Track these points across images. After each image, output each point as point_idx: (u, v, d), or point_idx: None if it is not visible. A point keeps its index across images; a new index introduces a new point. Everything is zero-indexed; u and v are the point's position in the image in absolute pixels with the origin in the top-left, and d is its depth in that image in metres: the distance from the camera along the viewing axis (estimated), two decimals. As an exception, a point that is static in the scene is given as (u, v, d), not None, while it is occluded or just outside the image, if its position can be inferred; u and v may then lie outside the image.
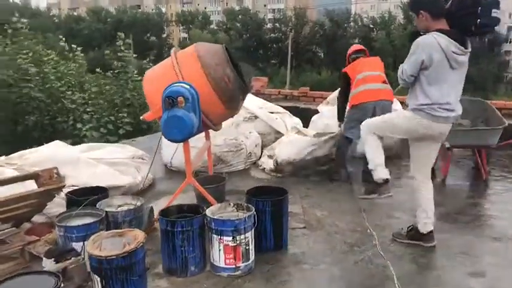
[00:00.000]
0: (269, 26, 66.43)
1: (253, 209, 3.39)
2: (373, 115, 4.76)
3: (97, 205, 3.64)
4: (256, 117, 6.56)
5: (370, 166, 3.89)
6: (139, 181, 5.13)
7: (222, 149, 5.72)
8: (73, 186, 4.59)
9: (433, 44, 3.36)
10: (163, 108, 3.64)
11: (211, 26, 71.61)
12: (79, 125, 11.11)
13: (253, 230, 3.33)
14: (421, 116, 3.52)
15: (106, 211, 3.53)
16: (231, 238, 3.23)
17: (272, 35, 64.37)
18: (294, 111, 7.56)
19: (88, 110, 11.57)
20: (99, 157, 5.09)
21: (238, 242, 3.24)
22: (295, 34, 57.75)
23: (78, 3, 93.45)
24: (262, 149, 6.30)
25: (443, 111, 3.48)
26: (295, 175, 5.68)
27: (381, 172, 3.84)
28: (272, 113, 6.89)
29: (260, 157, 6.16)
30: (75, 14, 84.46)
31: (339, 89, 5.78)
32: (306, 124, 6.91)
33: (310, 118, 7.01)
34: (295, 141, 5.87)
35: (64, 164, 4.65)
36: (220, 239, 3.24)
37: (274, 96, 9.15)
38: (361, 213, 4.46)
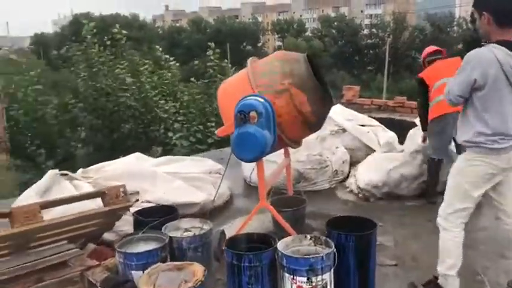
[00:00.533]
0: (365, 31, 64.66)
1: (333, 245, 2.88)
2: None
3: (163, 228, 3.35)
4: (344, 130, 6.02)
5: (439, 268, 3.05)
6: (215, 198, 4.82)
7: (304, 165, 5.25)
8: (148, 201, 4.40)
9: (489, 60, 2.66)
10: (234, 124, 3.28)
11: (306, 34, 71.26)
12: (170, 134, 11.24)
13: (332, 270, 2.83)
14: (481, 154, 2.79)
15: (170, 236, 3.23)
16: (305, 279, 2.75)
17: (369, 41, 62.56)
18: (389, 123, 6.88)
19: (179, 119, 11.67)
20: (175, 171, 4.87)
21: (314, 284, 2.75)
22: (393, 39, 55.60)
23: (180, 15, 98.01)
24: (350, 167, 5.74)
25: (505, 141, 2.74)
26: (387, 197, 5.06)
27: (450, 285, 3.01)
28: (363, 125, 6.29)
29: (348, 176, 5.61)
30: (177, 25, 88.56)
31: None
32: (402, 139, 6.21)
33: (407, 132, 6.30)
34: (377, 160, 5.26)
35: (140, 179, 4.49)
36: (293, 279, 2.78)
37: (366, 106, 8.49)
38: (468, 250, 3.75)
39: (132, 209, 4.19)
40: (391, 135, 6.33)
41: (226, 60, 13.62)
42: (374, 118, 6.82)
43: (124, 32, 12.43)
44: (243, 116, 3.22)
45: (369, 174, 5.11)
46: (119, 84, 11.64)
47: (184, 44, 68.42)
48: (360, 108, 8.27)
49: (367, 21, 70.92)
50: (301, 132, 3.85)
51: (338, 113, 6.46)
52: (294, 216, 3.99)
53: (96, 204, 3.76)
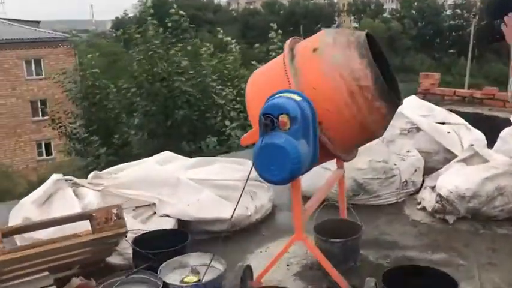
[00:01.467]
0: (448, 12, 60.53)
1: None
2: None
3: (161, 267, 2.54)
4: (418, 129, 4.89)
5: None
6: (252, 212, 3.95)
7: (365, 174, 4.22)
8: (167, 216, 3.62)
9: None
10: (259, 131, 2.36)
11: (384, 15, 67.99)
12: (227, 122, 10.51)
13: None
14: None
15: (165, 282, 2.40)
16: None
17: (452, 22, 58.51)
18: (476, 120, 5.61)
19: (236, 106, 10.90)
20: (205, 178, 4.03)
21: None
22: (479, 20, 51.48)
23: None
24: (423, 176, 4.62)
25: None
26: (473, 218, 3.92)
27: None
28: (443, 123, 5.12)
29: (420, 188, 4.49)
30: (251, 7, 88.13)
31: None
32: (491, 140, 4.98)
33: (499, 132, 5.04)
34: (465, 168, 4.12)
35: (160, 187, 3.70)
36: None
37: (448, 97, 7.16)
38: None
39: (144, 225, 3.44)
40: (478, 136, 5.11)
41: (279, 44, 12.63)
42: (457, 113, 5.59)
43: (182, 12, 11.74)
44: (269, 121, 2.30)
45: (455, 179, 3.98)
46: (176, 67, 11.04)
47: (257, 26, 67.69)
48: (440, 100, 7.00)
49: (450, 1, 66.36)
50: (358, 140, 2.88)
51: (412, 107, 5.32)
52: (344, 248, 3.04)
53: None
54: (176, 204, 3.67)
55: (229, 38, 13.56)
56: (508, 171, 3.99)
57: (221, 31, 14.10)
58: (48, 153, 30.15)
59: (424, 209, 4.15)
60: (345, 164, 3.45)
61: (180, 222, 3.61)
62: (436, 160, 4.83)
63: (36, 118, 29.64)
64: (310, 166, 2.51)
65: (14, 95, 30.06)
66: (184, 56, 11.30)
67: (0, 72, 30.15)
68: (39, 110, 28.74)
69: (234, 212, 2.79)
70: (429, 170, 4.71)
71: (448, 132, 4.87)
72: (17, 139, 30.01)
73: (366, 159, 4.20)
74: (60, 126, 12.32)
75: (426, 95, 7.13)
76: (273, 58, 10.74)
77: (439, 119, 5.20)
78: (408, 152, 4.57)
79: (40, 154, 30.30)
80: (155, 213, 3.63)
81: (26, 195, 3.63)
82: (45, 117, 23.18)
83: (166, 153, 4.54)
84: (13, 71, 29.87)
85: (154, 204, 3.62)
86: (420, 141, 4.84)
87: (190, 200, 3.73)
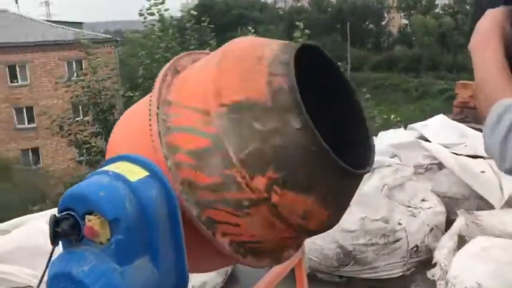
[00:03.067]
0: (508, 6, 56.78)
1: None
2: None
3: None
4: (441, 166, 3.60)
5: None
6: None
7: (355, 238, 2.98)
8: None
9: None
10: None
11: (436, 11, 64.72)
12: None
13: None
14: None
15: None
16: None
17: (511, 16, 54.84)
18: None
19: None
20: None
21: None
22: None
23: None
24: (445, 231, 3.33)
25: None
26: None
27: None
28: (477, 157, 3.79)
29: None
30: (298, 5, 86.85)
31: None
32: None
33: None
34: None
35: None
36: None
37: (491, 114, 5.73)
38: None
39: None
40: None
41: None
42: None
43: (193, 12, 10.81)
44: (67, 226, 1.16)
45: (477, 267, 2.68)
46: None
47: (304, 24, 66.11)
48: (480, 116, 5.60)
49: (509, -6, 62.18)
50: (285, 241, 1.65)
51: (435, 131, 4.04)
52: None
53: None
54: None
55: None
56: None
57: (252, 30, 13.24)
58: (90, 153, 30.19)
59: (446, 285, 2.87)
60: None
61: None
62: (466, 208, 3.52)
63: (81, 118, 29.80)
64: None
65: (56, 95, 30.33)
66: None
67: (44, 73, 30.49)
68: (80, 110, 28.88)
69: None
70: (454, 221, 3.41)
71: (482, 172, 3.54)
72: (58, 139, 30.29)
73: (357, 215, 2.97)
74: (69, 134, 11.62)
75: (463, 110, 5.74)
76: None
77: (472, 150, 3.87)
78: (423, 201, 3.30)
79: (81, 154, 30.39)
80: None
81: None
82: (86, 118, 23.11)
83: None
84: (55, 72, 30.11)
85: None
86: (443, 183, 3.55)
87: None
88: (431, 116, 4.64)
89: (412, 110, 36.86)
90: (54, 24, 35.17)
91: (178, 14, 13.22)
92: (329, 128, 1.49)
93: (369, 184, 3.07)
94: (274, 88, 1.25)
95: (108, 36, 35.58)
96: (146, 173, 1.24)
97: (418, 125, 4.32)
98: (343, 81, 1.54)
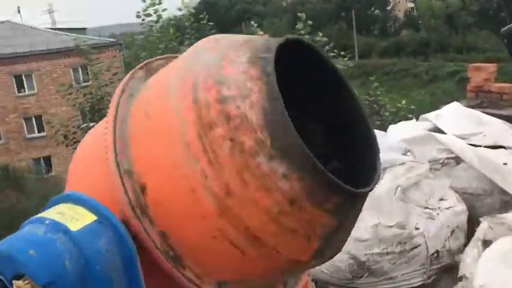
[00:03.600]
0: (515, -18, 55.60)
1: None
2: None
3: None
4: (458, 160, 3.31)
5: None
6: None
7: (369, 248, 2.71)
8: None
9: None
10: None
11: (442, -8, 63.68)
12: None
13: None
14: None
15: None
16: None
17: (519, -8, 53.69)
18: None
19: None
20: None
21: None
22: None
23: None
24: (468, 233, 3.04)
25: None
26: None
27: None
28: (497, 147, 3.48)
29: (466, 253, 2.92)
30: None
31: None
32: None
33: None
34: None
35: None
36: None
37: (508, 97, 5.34)
38: None
39: None
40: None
41: (320, 34, 11.07)
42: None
43: (191, 10, 10.55)
44: (-6, 291, 0.92)
45: (505, 273, 2.41)
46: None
47: (308, 15, 65.54)
48: (498, 101, 5.26)
49: (516, -30, 60.96)
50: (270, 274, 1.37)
51: (451, 121, 3.74)
52: None
53: None
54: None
55: (261, 32, 12.23)
56: None
57: (255, 25, 13.00)
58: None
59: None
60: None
61: None
62: (488, 204, 3.24)
63: (85, 125, 29.81)
64: None
65: (64, 103, 30.38)
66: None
67: (50, 81, 30.57)
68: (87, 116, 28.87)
69: None
70: (477, 219, 3.13)
71: (505, 164, 3.24)
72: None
73: (370, 222, 2.70)
74: (74, 142, 11.44)
75: (478, 95, 5.41)
76: None
77: (491, 140, 3.56)
78: (442, 200, 3.01)
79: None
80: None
81: None
82: (92, 123, 23.04)
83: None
84: (62, 80, 30.14)
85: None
86: (462, 178, 3.26)
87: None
88: (444, 99, 4.35)
89: (423, 94, 36.27)
90: (58, 32, 35.22)
91: (180, 13, 12.91)
92: (323, 130, 1.27)
93: (381, 186, 2.80)
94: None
95: (112, 40, 35.53)
96: (94, 218, 0.98)
97: (430, 115, 4.01)
98: (336, 75, 1.27)
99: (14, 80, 30.90)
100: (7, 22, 35.07)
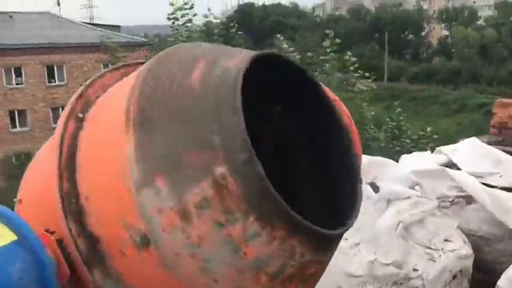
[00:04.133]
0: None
1: None
2: None
3: None
4: (469, 200, 3.11)
5: None
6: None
7: (363, 285, 2.51)
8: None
9: None
10: None
11: (478, 22, 62.91)
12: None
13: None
14: None
15: None
16: None
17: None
18: None
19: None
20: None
21: None
22: None
23: (341, 3, 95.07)
24: (472, 279, 2.85)
25: None
26: None
27: None
28: (514, 189, 3.28)
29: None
30: (337, 13, 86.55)
31: None
32: None
33: None
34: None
35: None
36: None
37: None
38: None
39: None
40: None
41: (349, 53, 10.92)
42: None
43: (217, 21, 10.58)
44: None
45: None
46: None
47: (341, 33, 65.47)
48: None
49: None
50: None
51: (467, 157, 3.55)
52: None
53: None
54: None
55: (286, 46, 12.14)
56: None
57: (281, 38, 12.89)
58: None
59: None
60: (331, 264, 1.82)
61: None
62: (498, 251, 3.04)
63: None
64: None
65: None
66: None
67: (80, 74, 31.07)
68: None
69: None
70: (485, 266, 2.95)
71: (520, 209, 3.04)
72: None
73: (365, 258, 2.53)
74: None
75: (501, 131, 5.18)
76: (324, 69, 9.33)
77: (508, 182, 3.36)
78: (446, 241, 2.82)
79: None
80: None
81: None
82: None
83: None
84: (91, 74, 30.59)
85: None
86: (472, 220, 3.06)
87: None
88: (469, 131, 4.16)
89: (450, 123, 35.72)
90: (92, 27, 35.83)
91: (208, 19, 12.89)
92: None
93: (382, 220, 2.63)
94: None
95: (144, 39, 35.94)
96: (13, 238, 0.87)
97: (446, 149, 3.82)
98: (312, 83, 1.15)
99: (45, 69, 31.51)
100: (46, 13, 35.89)
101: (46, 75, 31.37)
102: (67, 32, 32.13)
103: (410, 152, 4.74)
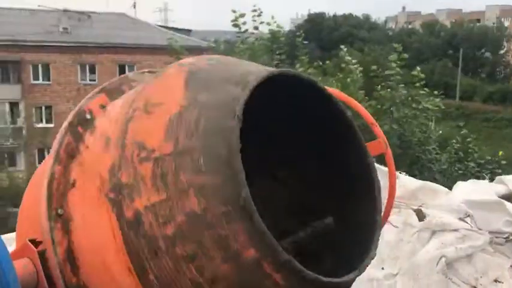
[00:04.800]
0: None
1: None
2: None
3: None
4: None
5: None
6: None
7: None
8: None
9: None
10: None
11: None
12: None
13: None
14: None
15: None
16: None
17: None
18: None
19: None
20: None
21: None
22: None
23: (415, 17, 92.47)
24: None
25: None
26: None
27: None
28: None
29: None
30: (410, 26, 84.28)
31: None
32: None
33: None
34: None
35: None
36: None
37: None
38: None
39: None
40: None
41: (418, 68, 10.47)
42: None
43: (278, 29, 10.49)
44: None
45: None
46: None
47: (414, 47, 63.67)
48: None
49: None
50: None
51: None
52: None
53: None
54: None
55: (349, 58, 11.83)
56: None
57: (345, 49, 12.55)
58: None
59: None
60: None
61: None
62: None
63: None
64: None
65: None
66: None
67: (147, 75, 32.13)
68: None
69: None
70: None
71: None
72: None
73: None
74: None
75: None
76: (390, 85, 9.10)
77: None
78: (496, 281, 2.55)
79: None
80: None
81: None
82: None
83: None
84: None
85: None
86: None
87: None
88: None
89: (524, 149, 33.61)
90: (163, 29, 36.92)
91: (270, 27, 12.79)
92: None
93: (424, 252, 2.41)
94: None
95: (211, 44, 36.57)
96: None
97: (508, 178, 3.49)
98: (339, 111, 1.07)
99: (118, 68, 32.82)
100: (122, 14, 37.43)
101: (118, 74, 32.64)
102: (141, 34, 33.33)
103: (477, 178, 4.41)
